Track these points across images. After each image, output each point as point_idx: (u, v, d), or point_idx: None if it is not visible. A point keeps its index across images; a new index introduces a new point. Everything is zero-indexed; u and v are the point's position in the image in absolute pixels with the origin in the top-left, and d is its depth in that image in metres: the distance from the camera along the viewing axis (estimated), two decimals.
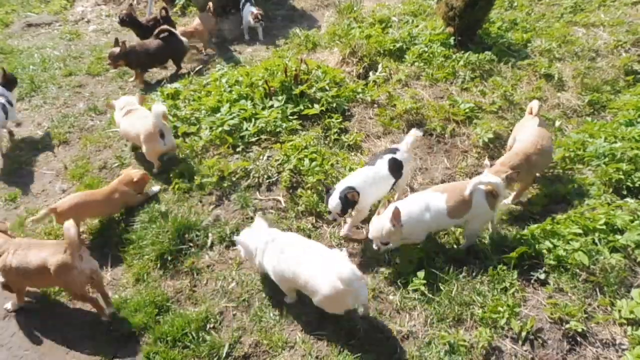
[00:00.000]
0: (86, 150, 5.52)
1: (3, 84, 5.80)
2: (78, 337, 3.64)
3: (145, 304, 3.73)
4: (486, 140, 4.98)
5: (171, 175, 4.86)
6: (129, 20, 7.41)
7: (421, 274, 3.64)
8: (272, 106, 5.39)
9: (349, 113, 5.52)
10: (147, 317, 3.65)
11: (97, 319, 3.71)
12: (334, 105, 5.45)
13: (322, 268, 3.22)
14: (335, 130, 5.11)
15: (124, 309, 3.75)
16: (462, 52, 6.31)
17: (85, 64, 7.53)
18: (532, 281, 3.62)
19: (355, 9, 8.05)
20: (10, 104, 5.77)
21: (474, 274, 3.66)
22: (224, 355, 3.39)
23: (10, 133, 5.91)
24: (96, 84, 7.01)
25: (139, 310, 3.70)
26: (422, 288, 3.58)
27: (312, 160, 4.59)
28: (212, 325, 3.58)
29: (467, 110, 5.37)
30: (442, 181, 4.64)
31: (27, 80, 6.97)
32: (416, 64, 6.27)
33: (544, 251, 3.70)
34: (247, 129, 5.12)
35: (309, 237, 4.10)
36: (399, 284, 3.68)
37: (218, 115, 5.37)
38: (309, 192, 4.38)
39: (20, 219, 4.65)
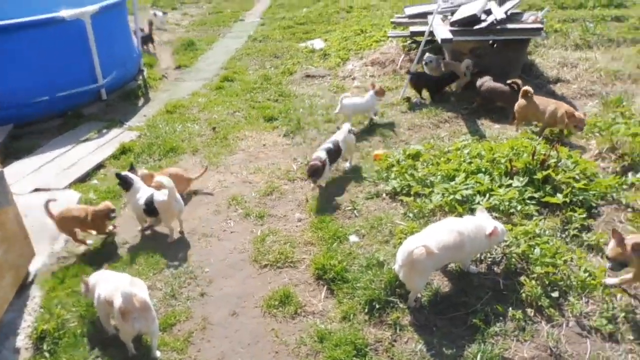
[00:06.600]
0: (326, 189, 6.13)
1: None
2: (284, 352, 3.99)
3: (346, 342, 3.90)
4: None
5: (394, 229, 5.08)
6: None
7: None
8: (510, 185, 5.25)
9: (596, 211, 5.03)
10: (345, 355, 3.80)
11: (304, 341, 4.02)
12: (580, 198, 5.04)
13: None
14: (576, 225, 4.71)
15: (326, 340, 3.99)
16: None
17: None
18: None
19: (624, 103, 7.40)
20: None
21: None
22: None
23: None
24: None
25: (339, 346, 3.89)
26: None
27: (543, 250, 4.30)
28: None
29: None
30: None
31: (295, 120, 8.15)
32: None
33: None
34: (479, 203, 5.07)
35: (523, 330, 3.82)
36: None
37: (452, 183, 5.45)
38: (533, 282, 4.10)
39: (262, 236, 5.37)
